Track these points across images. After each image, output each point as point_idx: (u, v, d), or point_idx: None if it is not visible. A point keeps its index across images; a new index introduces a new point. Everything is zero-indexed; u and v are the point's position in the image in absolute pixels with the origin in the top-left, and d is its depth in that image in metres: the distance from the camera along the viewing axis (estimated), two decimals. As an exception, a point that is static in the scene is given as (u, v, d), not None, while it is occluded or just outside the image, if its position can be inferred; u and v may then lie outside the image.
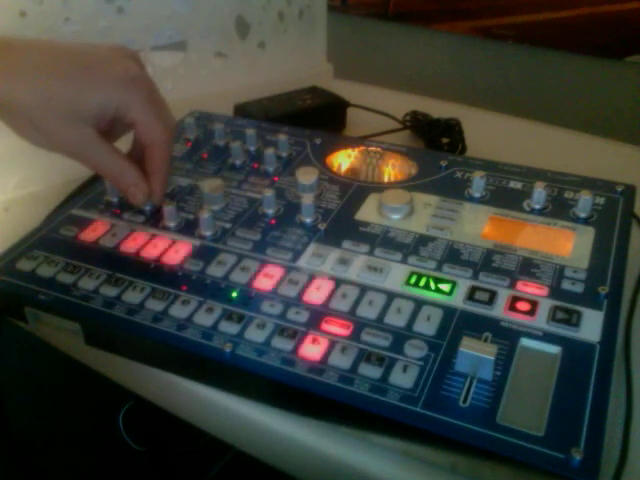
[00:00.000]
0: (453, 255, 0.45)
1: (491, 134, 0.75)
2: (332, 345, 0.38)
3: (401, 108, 0.76)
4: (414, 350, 0.37)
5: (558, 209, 0.49)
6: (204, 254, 0.46)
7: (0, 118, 0.42)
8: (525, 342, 0.38)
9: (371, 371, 0.36)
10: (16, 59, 0.41)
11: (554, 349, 0.37)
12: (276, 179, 0.55)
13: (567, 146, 0.74)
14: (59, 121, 0.42)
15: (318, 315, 0.40)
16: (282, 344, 0.38)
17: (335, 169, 0.56)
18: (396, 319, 0.40)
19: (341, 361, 0.37)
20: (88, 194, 0.53)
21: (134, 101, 0.44)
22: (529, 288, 0.42)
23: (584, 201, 0.48)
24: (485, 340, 0.38)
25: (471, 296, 0.41)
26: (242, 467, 0.80)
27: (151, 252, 0.46)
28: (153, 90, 0.46)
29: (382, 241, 0.46)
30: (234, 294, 0.42)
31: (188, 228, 0.49)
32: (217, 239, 0.47)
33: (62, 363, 0.54)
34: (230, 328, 0.39)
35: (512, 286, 0.42)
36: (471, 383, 0.35)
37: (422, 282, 0.42)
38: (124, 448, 0.76)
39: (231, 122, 0.64)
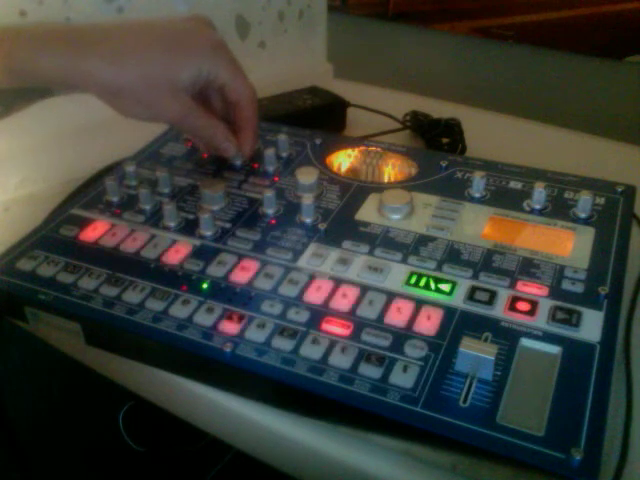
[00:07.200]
0: (453, 255, 0.45)
1: (491, 134, 0.75)
2: (332, 345, 0.38)
3: (401, 108, 0.76)
4: (414, 350, 0.37)
5: (558, 209, 0.49)
6: (204, 254, 0.46)
7: (106, 101, 0.45)
8: (525, 342, 0.38)
9: (371, 371, 0.36)
10: (116, 45, 0.44)
11: (554, 349, 0.37)
12: (276, 179, 0.55)
13: (567, 146, 0.74)
14: (162, 94, 0.46)
15: (318, 315, 0.40)
16: (282, 344, 0.38)
17: (335, 169, 0.56)
18: (396, 319, 0.40)
19: (341, 361, 0.37)
20: (88, 194, 0.53)
21: (221, 66, 0.48)
22: (529, 288, 0.42)
23: (584, 201, 0.48)
24: (485, 340, 0.38)
25: (471, 296, 0.41)
26: (242, 467, 0.81)
27: (151, 252, 0.46)
28: (232, 53, 0.50)
29: (382, 241, 0.46)
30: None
31: (188, 228, 0.49)
32: (217, 239, 0.47)
33: (62, 363, 0.54)
34: (230, 328, 0.40)
35: (512, 286, 0.42)
36: (471, 383, 0.35)
37: (422, 282, 0.42)
38: (124, 448, 0.76)
39: (231, 122, 0.63)
